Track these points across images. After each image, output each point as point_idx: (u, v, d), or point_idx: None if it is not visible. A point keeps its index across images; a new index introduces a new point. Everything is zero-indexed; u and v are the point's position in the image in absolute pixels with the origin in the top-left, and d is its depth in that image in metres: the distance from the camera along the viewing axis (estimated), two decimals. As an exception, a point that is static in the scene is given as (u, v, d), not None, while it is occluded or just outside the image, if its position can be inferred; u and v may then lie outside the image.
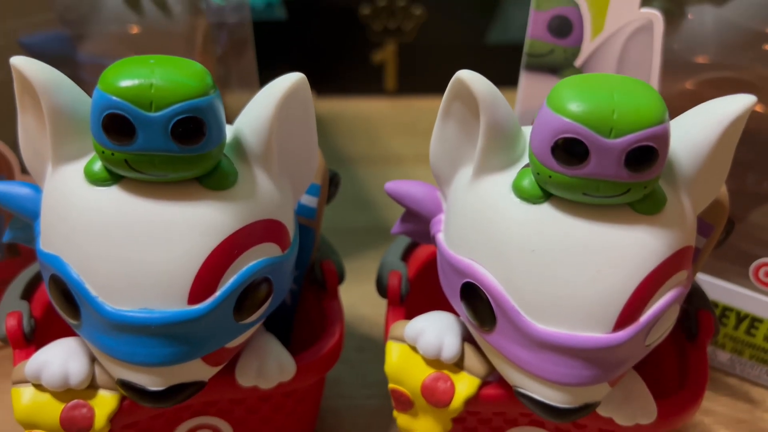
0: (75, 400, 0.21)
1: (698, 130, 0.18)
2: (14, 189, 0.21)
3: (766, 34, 0.30)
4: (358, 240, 0.38)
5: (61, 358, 0.21)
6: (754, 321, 0.29)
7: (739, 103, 0.18)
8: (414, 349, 0.23)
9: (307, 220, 0.25)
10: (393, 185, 0.23)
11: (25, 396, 0.21)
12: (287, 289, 0.22)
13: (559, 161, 0.18)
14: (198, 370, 0.20)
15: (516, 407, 0.22)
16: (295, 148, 0.21)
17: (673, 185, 0.19)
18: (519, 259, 0.19)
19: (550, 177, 0.18)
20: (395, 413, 0.24)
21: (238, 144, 0.20)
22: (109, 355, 0.19)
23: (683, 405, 0.22)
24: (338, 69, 0.51)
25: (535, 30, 0.27)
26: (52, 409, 0.21)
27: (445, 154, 0.21)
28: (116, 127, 0.17)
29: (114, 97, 0.17)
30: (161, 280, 0.18)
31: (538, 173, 0.18)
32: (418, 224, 0.24)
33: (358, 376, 0.31)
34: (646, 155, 0.17)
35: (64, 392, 0.21)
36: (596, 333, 0.18)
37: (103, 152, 0.18)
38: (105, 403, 0.21)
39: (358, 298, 0.34)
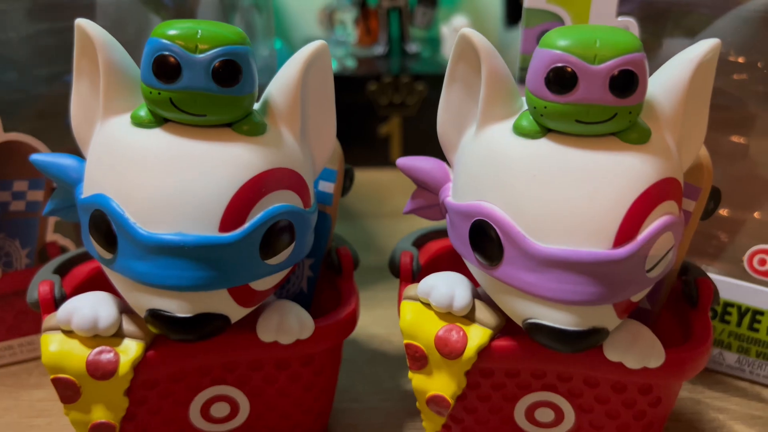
0: (101, 347, 0.22)
1: (673, 73, 0.21)
2: (59, 159, 0.24)
3: (731, 62, 0.33)
4: (369, 276, 0.40)
5: (92, 305, 0.22)
6: (756, 314, 0.30)
7: (704, 45, 0.21)
8: (427, 306, 0.24)
9: (324, 206, 0.27)
10: (404, 160, 0.26)
11: (54, 342, 0.22)
12: (307, 250, 0.24)
13: (552, 90, 0.20)
14: (224, 304, 0.21)
15: (527, 361, 0.23)
16: (315, 114, 0.24)
17: (656, 123, 0.21)
18: (522, 186, 0.20)
19: (545, 108, 0.20)
20: (410, 374, 0.24)
21: (267, 104, 0.23)
22: (143, 281, 0.20)
23: (690, 353, 0.23)
24: (348, 143, 0.54)
25: (526, 46, 0.30)
26: (79, 354, 0.22)
27: (451, 119, 0.24)
28: (165, 66, 0.20)
29: (164, 41, 0.20)
30: (196, 208, 0.20)
31: (534, 107, 0.21)
32: (427, 199, 0.26)
33: (371, 384, 0.31)
34: (628, 79, 0.19)
35: (91, 339, 0.22)
36: (597, 248, 0.20)
37: (150, 92, 0.20)
38: (130, 350, 0.22)
39: (370, 321, 0.35)
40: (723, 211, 0.34)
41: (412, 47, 0.57)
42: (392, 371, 0.32)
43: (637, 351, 0.22)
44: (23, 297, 0.31)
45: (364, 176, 0.54)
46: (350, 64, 0.54)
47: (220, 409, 0.25)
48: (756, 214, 0.33)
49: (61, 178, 0.23)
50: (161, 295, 0.20)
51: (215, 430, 0.25)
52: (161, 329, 0.21)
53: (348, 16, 0.55)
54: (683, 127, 0.22)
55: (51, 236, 0.31)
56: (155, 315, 0.21)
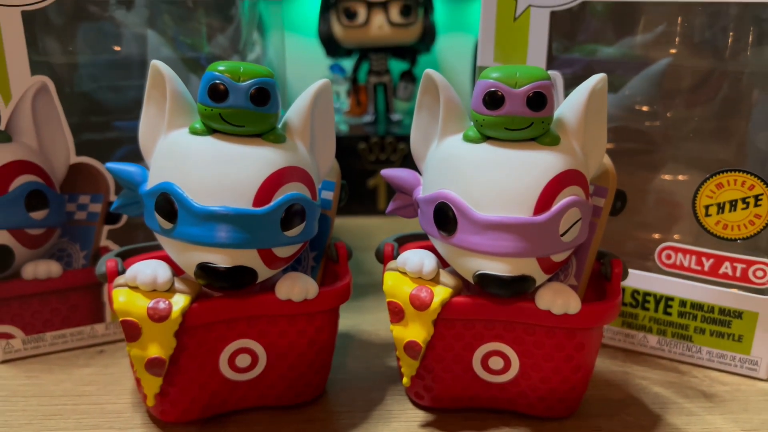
0: (158, 298, 0.29)
1: (576, 98, 0.30)
2: (126, 167, 0.32)
3: (644, 112, 0.42)
4: (360, 292, 0.47)
5: (152, 267, 0.30)
6: (668, 300, 0.37)
7: (595, 78, 0.30)
8: (403, 273, 0.31)
9: (325, 211, 0.35)
10: (387, 171, 0.34)
11: (122, 294, 0.29)
12: (314, 232, 0.31)
13: (488, 108, 0.29)
14: (254, 261, 0.29)
15: (479, 312, 0.30)
16: (320, 133, 0.32)
17: (564, 133, 0.30)
18: (468, 173, 0.29)
19: (483, 120, 0.29)
20: (391, 326, 0.31)
21: (285, 124, 0.31)
22: (196, 241, 0.28)
23: (601, 305, 0.30)
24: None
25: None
26: (141, 304, 0.29)
27: (420, 137, 0.32)
28: (217, 91, 0.28)
29: (217, 73, 0.29)
30: (236, 189, 0.28)
31: (476, 121, 0.29)
32: (404, 200, 0.34)
33: (362, 363, 0.38)
34: (540, 98, 0.28)
35: (150, 292, 0.29)
36: (522, 215, 0.28)
37: (205, 110, 0.29)
38: (180, 301, 0.29)
39: (360, 321, 0.43)
40: (655, 235, 0.42)
41: (396, 116, 0.67)
42: (378, 353, 0.39)
43: (560, 301, 0.30)
44: (78, 292, 0.38)
45: (355, 221, 0.62)
46: (343, 128, 0.63)
47: (243, 360, 0.32)
48: (676, 236, 0.41)
49: (128, 180, 0.31)
50: (208, 252, 0.28)
51: (238, 378, 0.32)
52: (207, 279, 0.28)
53: (342, 88, 0.65)
54: (587, 137, 0.30)
55: (104, 242, 0.39)
56: (203, 267, 0.28)
